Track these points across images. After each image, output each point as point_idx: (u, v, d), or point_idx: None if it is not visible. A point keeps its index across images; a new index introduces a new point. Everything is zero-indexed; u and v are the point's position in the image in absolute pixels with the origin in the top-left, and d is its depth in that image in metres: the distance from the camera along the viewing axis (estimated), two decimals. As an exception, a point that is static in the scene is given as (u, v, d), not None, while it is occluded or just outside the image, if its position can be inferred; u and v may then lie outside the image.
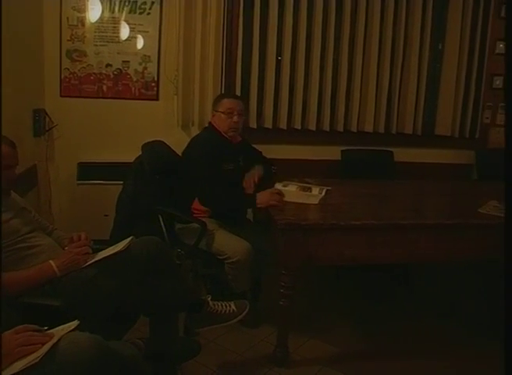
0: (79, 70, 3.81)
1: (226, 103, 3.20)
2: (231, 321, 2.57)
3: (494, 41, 4.41)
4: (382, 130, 4.24)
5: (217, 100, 3.29)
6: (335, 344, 3.03)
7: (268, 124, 4.02)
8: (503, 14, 4.34)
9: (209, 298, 2.56)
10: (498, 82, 4.53)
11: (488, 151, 4.63)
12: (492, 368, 2.74)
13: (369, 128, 4.21)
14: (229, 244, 2.92)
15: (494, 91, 4.55)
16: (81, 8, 3.69)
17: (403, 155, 4.37)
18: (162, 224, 2.99)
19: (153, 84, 3.93)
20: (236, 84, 3.91)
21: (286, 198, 3.00)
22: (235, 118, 3.17)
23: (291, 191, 3.18)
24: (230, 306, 2.59)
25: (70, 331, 1.60)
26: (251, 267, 2.92)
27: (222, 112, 3.17)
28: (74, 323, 1.65)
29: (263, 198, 2.93)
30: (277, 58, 4.00)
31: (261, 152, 3.56)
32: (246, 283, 2.96)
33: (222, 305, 2.56)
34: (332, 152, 4.21)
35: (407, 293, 3.85)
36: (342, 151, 4.21)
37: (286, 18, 3.93)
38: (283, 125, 4.05)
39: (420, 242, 2.78)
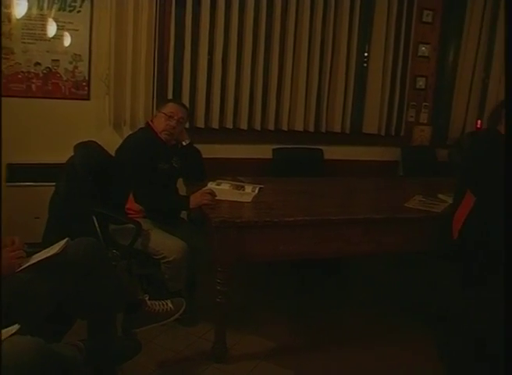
0: (6, 68, 3.73)
1: (171, 107, 3.27)
2: (169, 319, 2.64)
3: (417, 44, 4.71)
4: (311, 128, 4.42)
5: (164, 103, 3.37)
6: (271, 338, 3.15)
7: (201, 124, 4.11)
8: (424, 19, 4.65)
9: (146, 298, 2.60)
10: (421, 83, 4.83)
11: (413, 148, 4.90)
12: (420, 354, 2.95)
13: (299, 127, 4.37)
14: (164, 243, 2.97)
15: (417, 92, 4.83)
16: (7, 4, 3.61)
17: (332, 152, 4.57)
18: (96, 225, 3.00)
19: (84, 84, 3.90)
20: (168, 84, 3.98)
21: (220, 197, 3.10)
22: (173, 122, 3.22)
23: (224, 189, 3.28)
24: (167, 304, 2.65)
25: (11, 335, 1.62)
26: (188, 265, 3.00)
27: (164, 114, 3.23)
28: (14, 327, 1.67)
29: (195, 199, 3.02)
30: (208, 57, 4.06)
31: (199, 151, 3.59)
32: (182, 282, 3.04)
33: (159, 304, 2.62)
34: (263, 151, 4.34)
35: (339, 285, 4.04)
36: (273, 149, 4.36)
37: (217, 17, 4.02)
38: (215, 124, 4.15)
39: (350, 236, 2.94)
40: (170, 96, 3.91)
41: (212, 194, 3.07)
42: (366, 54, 4.65)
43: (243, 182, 3.46)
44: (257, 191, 3.28)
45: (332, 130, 4.50)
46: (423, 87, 4.85)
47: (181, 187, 3.53)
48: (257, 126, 4.24)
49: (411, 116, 4.85)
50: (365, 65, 4.63)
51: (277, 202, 3.18)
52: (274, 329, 3.27)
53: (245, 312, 3.46)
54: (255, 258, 2.79)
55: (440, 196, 3.54)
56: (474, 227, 2.92)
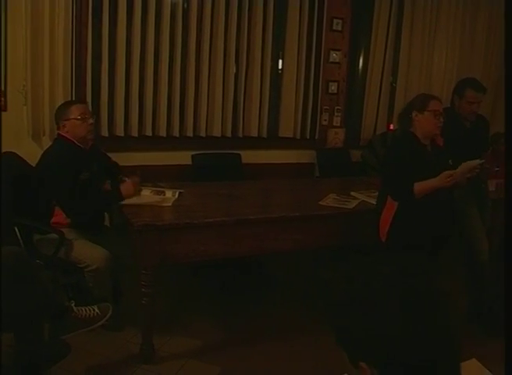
0: None
1: (78, 109, 3.25)
2: (96, 324, 2.77)
3: (328, 51, 5.05)
4: (229, 134, 4.65)
5: (64, 109, 3.29)
6: (198, 337, 3.38)
7: (120, 132, 4.22)
8: (334, 27, 4.99)
9: (72, 304, 2.72)
10: (333, 87, 5.16)
11: (328, 150, 5.22)
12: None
13: (217, 133, 4.58)
14: (87, 252, 3.09)
15: (330, 96, 5.15)
16: None
17: (250, 156, 4.82)
18: (19, 236, 3.07)
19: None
20: (87, 93, 4.08)
21: (141, 202, 3.28)
22: (90, 120, 3.27)
23: (145, 195, 3.48)
24: (94, 310, 2.80)
25: None
26: (111, 272, 3.15)
27: (76, 119, 3.21)
28: None
29: (127, 188, 3.18)
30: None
31: (116, 163, 3.71)
32: (107, 289, 3.18)
33: (85, 310, 2.77)
34: (183, 157, 4.51)
35: (261, 283, 4.33)
36: (192, 155, 4.54)
37: (134, 26, 4.16)
38: (134, 132, 4.28)
39: (268, 235, 3.23)
40: (89, 106, 3.97)
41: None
42: (280, 60, 4.90)
43: (163, 187, 3.64)
44: (177, 196, 3.48)
45: (249, 135, 4.76)
46: (335, 91, 5.18)
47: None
48: (176, 133, 4.41)
49: (325, 120, 5.17)
50: (280, 71, 4.87)
51: (197, 205, 3.39)
52: (200, 328, 3.50)
53: (171, 313, 3.67)
54: (177, 259, 3.00)
55: (353, 193, 3.87)
56: (400, 230, 3.18)
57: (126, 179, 3.35)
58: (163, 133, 4.37)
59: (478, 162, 3.15)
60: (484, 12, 5.79)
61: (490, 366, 3.11)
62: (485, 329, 3.74)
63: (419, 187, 3.06)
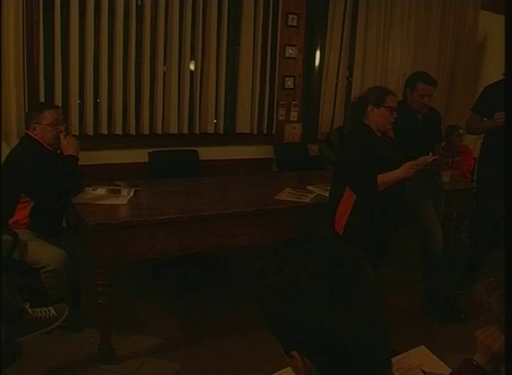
0: None
1: (51, 115, 3.28)
2: (52, 326, 2.78)
3: (284, 46, 5.10)
4: (186, 130, 4.68)
5: (37, 112, 3.31)
6: (157, 335, 3.43)
7: (75, 131, 4.18)
8: (290, 23, 5.07)
9: (27, 306, 2.71)
10: (289, 83, 5.23)
11: (285, 145, 5.29)
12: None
13: (174, 130, 4.61)
14: (43, 253, 3.11)
15: (286, 91, 5.23)
16: None
17: (207, 153, 4.86)
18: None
19: None
20: (40, 92, 4.04)
21: (96, 201, 3.31)
22: (61, 127, 3.31)
23: (100, 194, 3.50)
24: (50, 311, 2.80)
25: None
26: (68, 273, 3.16)
27: (48, 125, 3.25)
28: None
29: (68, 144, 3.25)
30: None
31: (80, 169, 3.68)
32: (64, 290, 3.19)
33: (41, 311, 2.77)
34: (139, 155, 4.53)
35: (220, 280, 4.39)
36: (149, 153, 4.55)
37: (87, 25, 4.14)
38: (90, 131, 4.27)
39: (224, 231, 3.29)
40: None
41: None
42: (236, 55, 4.93)
43: (119, 186, 3.65)
44: (132, 194, 3.52)
45: (205, 132, 4.80)
46: (291, 86, 5.25)
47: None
48: (132, 131, 4.42)
49: (282, 115, 5.24)
50: (236, 67, 4.91)
51: (152, 203, 3.43)
52: (159, 326, 3.55)
53: (130, 312, 3.69)
54: (133, 257, 3.04)
55: (309, 187, 3.96)
56: (359, 223, 3.26)
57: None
58: (119, 131, 4.37)
59: (432, 157, 3.28)
60: (437, 8, 5.94)
61: (445, 351, 3.22)
62: (440, 317, 3.86)
63: (382, 179, 3.16)
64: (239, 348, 3.29)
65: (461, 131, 5.80)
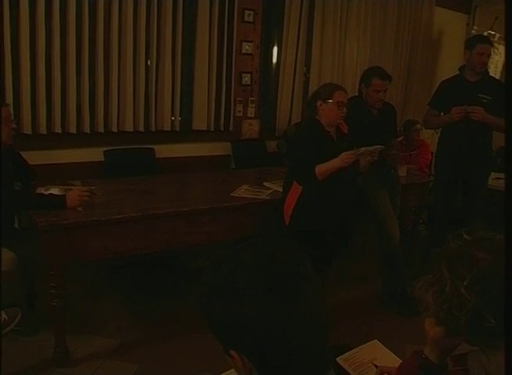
0: None
1: (3, 112, 3.19)
2: (4, 330, 2.71)
3: (240, 43, 5.12)
4: (141, 128, 4.64)
5: None
6: (114, 336, 3.42)
7: (27, 130, 4.11)
8: (246, 19, 5.09)
9: (-24, 311, 2.67)
10: (246, 79, 5.25)
11: (243, 141, 5.30)
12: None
13: (129, 127, 4.57)
14: (-6, 255, 3.06)
15: (243, 87, 5.26)
16: None
17: (164, 151, 4.85)
18: None
19: None
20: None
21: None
22: (12, 125, 3.25)
23: (53, 194, 3.38)
24: (1, 316, 2.73)
25: None
26: (22, 276, 3.12)
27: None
28: None
29: (73, 197, 3.12)
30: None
31: (33, 170, 3.66)
32: (17, 293, 3.15)
33: (-9, 316, 2.70)
34: (95, 154, 4.48)
35: (178, 278, 4.36)
36: (105, 151, 4.51)
37: (37, 19, 4.04)
38: (43, 130, 4.19)
39: (180, 229, 3.30)
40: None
41: (90, 191, 3.22)
42: (192, 52, 4.90)
43: (73, 185, 3.59)
44: (87, 193, 3.44)
45: (162, 129, 4.77)
46: (249, 82, 5.27)
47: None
48: (87, 129, 4.36)
49: (239, 111, 5.26)
50: (191, 63, 4.88)
51: (108, 202, 3.40)
52: (116, 327, 3.54)
53: (86, 313, 3.65)
54: (88, 258, 3.02)
55: (266, 184, 3.98)
56: (303, 213, 3.34)
57: (72, 187, 3.35)
58: (73, 129, 4.30)
59: (377, 147, 3.37)
60: (393, 4, 6.03)
61: (402, 343, 3.28)
62: (399, 310, 3.93)
63: (320, 168, 3.28)
64: (197, 347, 3.29)
65: (418, 126, 5.90)
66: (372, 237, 4.20)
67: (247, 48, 5.18)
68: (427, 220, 5.48)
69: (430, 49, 6.68)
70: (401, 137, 5.49)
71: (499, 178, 5.32)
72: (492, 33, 6.49)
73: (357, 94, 4.17)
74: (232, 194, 3.67)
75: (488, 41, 4.40)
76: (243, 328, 0.96)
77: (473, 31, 6.51)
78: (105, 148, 4.51)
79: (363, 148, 3.36)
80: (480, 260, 1.27)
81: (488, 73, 4.53)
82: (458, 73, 4.57)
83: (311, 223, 3.38)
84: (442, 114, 4.55)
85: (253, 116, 5.40)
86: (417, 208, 5.13)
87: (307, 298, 1.00)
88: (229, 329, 0.99)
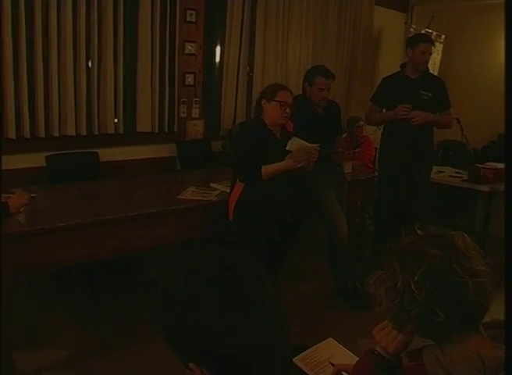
0: None
1: None
2: None
3: (183, 43, 5.09)
4: (84, 132, 4.53)
5: None
6: (65, 348, 3.31)
7: (-38, 136, 3.94)
8: (188, 19, 5.06)
9: None
10: (190, 79, 5.21)
11: (188, 142, 5.27)
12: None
13: (71, 131, 4.45)
14: None
15: (187, 88, 5.22)
16: None
17: (108, 154, 4.75)
18: None
19: None
20: None
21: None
22: None
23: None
24: None
25: None
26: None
27: None
28: None
29: (15, 200, 2.99)
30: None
31: None
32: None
33: None
34: (36, 159, 4.33)
35: (128, 285, 4.26)
36: (46, 157, 4.37)
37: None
38: (-21, 136, 4.02)
39: (128, 234, 3.24)
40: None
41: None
42: (134, 53, 4.82)
43: (13, 193, 3.47)
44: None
45: (105, 132, 4.67)
46: (192, 83, 5.24)
47: None
48: (27, 134, 4.22)
49: (183, 112, 5.22)
50: (134, 64, 4.80)
51: (51, 209, 3.31)
52: (66, 338, 3.43)
53: (35, 325, 3.52)
54: (33, 268, 2.92)
55: (212, 185, 3.98)
56: (245, 208, 3.37)
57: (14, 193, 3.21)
58: (12, 135, 4.15)
59: (313, 146, 3.43)
60: (334, 3, 6.10)
61: (355, 338, 3.31)
62: (350, 304, 3.99)
63: (266, 170, 3.35)
64: (153, 356, 3.21)
65: (361, 123, 5.99)
66: (321, 234, 4.24)
67: (189, 48, 5.14)
68: (373, 215, 5.56)
69: (370, 47, 6.81)
70: (345, 134, 5.56)
71: (440, 171, 5.46)
72: (430, 31, 6.65)
73: (301, 93, 4.20)
74: (179, 197, 3.64)
75: (429, 39, 4.52)
76: (202, 339, 0.94)
77: (411, 29, 6.65)
78: (47, 154, 4.37)
79: (297, 142, 3.43)
80: (430, 256, 1.29)
81: (428, 70, 4.64)
82: (399, 70, 4.66)
83: (252, 218, 3.43)
84: (384, 110, 4.62)
85: (197, 116, 5.37)
86: (363, 203, 5.21)
87: (265, 303, 0.99)
88: (187, 341, 0.96)
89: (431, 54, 4.47)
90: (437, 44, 6.54)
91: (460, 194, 5.72)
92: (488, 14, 6.59)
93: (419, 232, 1.39)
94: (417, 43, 4.38)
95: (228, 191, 3.72)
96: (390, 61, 7.15)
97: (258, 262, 1.05)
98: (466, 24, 6.36)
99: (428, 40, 4.50)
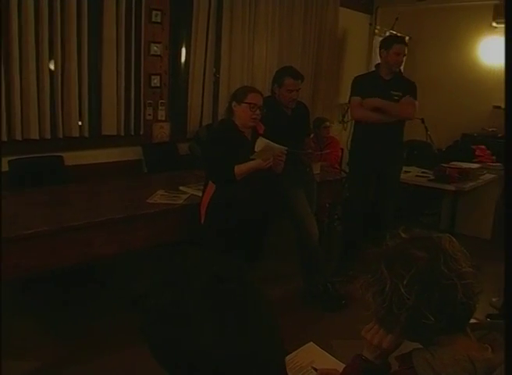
0: None
1: None
2: None
3: (148, 44, 4.99)
4: (48, 135, 4.40)
5: None
6: (34, 358, 3.19)
7: None
8: (153, 19, 4.98)
9: None
10: (156, 81, 5.13)
11: (154, 145, 5.19)
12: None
13: (35, 135, 4.31)
14: None
15: (153, 90, 5.13)
16: None
17: (73, 158, 4.62)
18: None
19: None
20: None
21: None
22: None
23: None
24: None
25: None
26: None
27: None
28: None
29: None
30: None
31: None
32: None
33: None
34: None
35: (99, 291, 4.15)
36: (9, 161, 4.23)
37: None
38: None
39: (96, 240, 3.15)
40: None
41: None
42: (99, 54, 4.71)
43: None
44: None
45: (70, 135, 4.54)
46: (158, 85, 5.16)
47: None
48: (-12, 138, 4.07)
49: (149, 114, 5.14)
50: (98, 66, 4.69)
51: (14, 216, 3.17)
52: (35, 348, 3.31)
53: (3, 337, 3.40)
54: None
55: (181, 188, 3.92)
56: (216, 210, 3.33)
57: None
58: (-28, 139, 4.02)
59: (280, 148, 3.43)
60: (300, 4, 6.10)
61: (329, 339, 3.29)
62: (322, 306, 3.97)
63: (239, 168, 3.34)
64: (126, 363, 3.15)
65: (328, 123, 6.01)
66: (289, 236, 4.21)
67: (155, 49, 5.05)
68: (341, 215, 5.56)
69: (336, 48, 6.83)
70: (311, 135, 5.55)
71: (406, 171, 5.49)
72: (394, 32, 6.70)
73: (270, 94, 4.17)
74: (148, 201, 3.56)
75: (403, 41, 4.52)
76: (197, 355, 0.89)
77: (376, 31, 6.69)
78: (10, 158, 4.22)
79: (263, 141, 3.41)
80: (417, 259, 1.29)
81: (401, 72, 4.64)
82: (373, 70, 4.68)
83: (223, 220, 3.40)
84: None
85: (163, 118, 5.29)
86: (332, 204, 5.21)
87: (261, 315, 0.96)
88: (181, 358, 0.91)
89: (405, 55, 4.47)
90: (401, 45, 6.60)
91: (426, 194, 5.78)
92: (450, 16, 6.69)
93: (403, 235, 1.39)
94: (391, 44, 4.38)
95: (198, 194, 3.69)
96: (355, 62, 7.20)
97: (247, 270, 1.01)
98: (429, 26, 6.43)
99: (401, 41, 4.51)
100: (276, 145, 3.44)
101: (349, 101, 4.72)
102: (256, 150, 3.40)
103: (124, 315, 3.67)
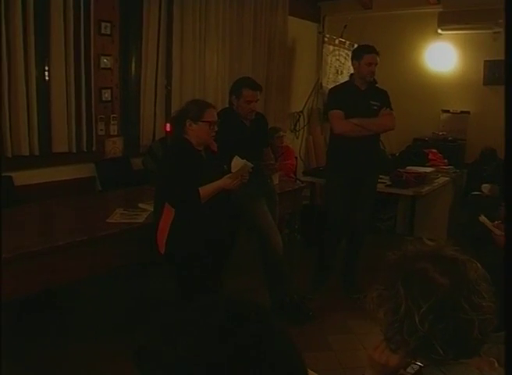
0: None
1: None
2: None
3: (98, 56, 4.81)
4: (-4, 154, 4.11)
5: None
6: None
7: None
8: (103, 31, 4.79)
9: None
10: (107, 95, 4.95)
11: (107, 161, 5.00)
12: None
13: (-19, 155, 4.03)
14: None
15: (104, 104, 4.95)
16: None
17: (23, 178, 4.36)
18: None
19: None
20: None
21: None
22: None
23: None
24: None
25: None
26: None
27: None
28: None
29: None
30: None
31: None
32: None
33: None
34: None
35: (57, 318, 3.89)
36: (-46, 184, 3.94)
37: None
38: None
39: (56, 265, 2.94)
40: None
41: None
42: (47, 70, 4.49)
43: None
44: None
45: (19, 154, 4.28)
46: (109, 98, 4.98)
47: None
48: None
49: (101, 129, 4.93)
50: (47, 82, 4.46)
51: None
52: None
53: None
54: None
55: (140, 205, 3.76)
56: (179, 237, 3.15)
57: None
58: None
59: (249, 165, 3.32)
60: (249, 15, 6.04)
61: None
62: (290, 319, 3.87)
63: (204, 191, 3.16)
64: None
65: (281, 133, 5.96)
66: (251, 248, 4.11)
67: (105, 61, 4.85)
68: (300, 226, 5.49)
69: (286, 57, 6.79)
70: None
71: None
72: (343, 40, 6.71)
73: (227, 106, 4.07)
74: (108, 220, 3.37)
75: (373, 50, 4.35)
76: None
77: (325, 39, 6.68)
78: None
79: (241, 161, 3.29)
80: (438, 286, 1.21)
81: (375, 82, 4.52)
82: (348, 80, 4.61)
83: (190, 246, 3.21)
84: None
85: (116, 133, 5.08)
86: (291, 214, 5.14)
87: (286, 354, 0.89)
88: None
89: (376, 64, 4.35)
90: (350, 53, 6.61)
91: (381, 199, 5.77)
92: (397, 23, 6.76)
93: (426, 243, 1.33)
94: (362, 55, 4.28)
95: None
96: (305, 71, 7.18)
97: (266, 309, 0.94)
98: (377, 33, 6.44)
99: (372, 50, 4.35)
100: (249, 163, 3.32)
101: (325, 113, 4.63)
102: (232, 170, 3.27)
103: (92, 340, 3.51)
